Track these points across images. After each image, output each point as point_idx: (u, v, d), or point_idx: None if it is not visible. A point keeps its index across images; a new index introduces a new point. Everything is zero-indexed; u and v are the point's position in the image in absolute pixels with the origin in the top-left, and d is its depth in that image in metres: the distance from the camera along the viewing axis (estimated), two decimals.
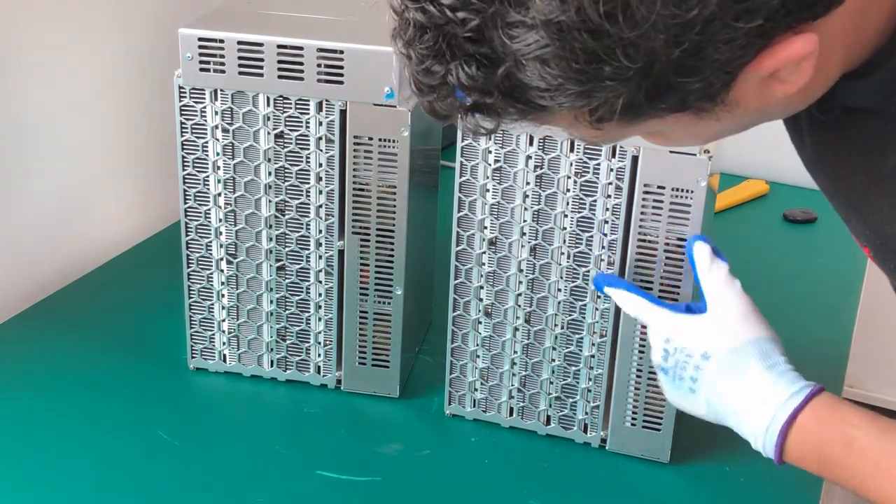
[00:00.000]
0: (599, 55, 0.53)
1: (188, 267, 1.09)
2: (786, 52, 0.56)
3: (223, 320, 1.11)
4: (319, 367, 1.12)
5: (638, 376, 1.00)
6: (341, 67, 0.98)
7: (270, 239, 1.06)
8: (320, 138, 1.01)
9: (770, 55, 0.56)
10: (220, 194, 1.05)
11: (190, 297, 1.11)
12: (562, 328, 1.01)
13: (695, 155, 0.91)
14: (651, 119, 0.59)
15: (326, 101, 1.00)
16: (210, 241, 1.08)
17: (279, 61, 0.98)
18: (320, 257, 1.06)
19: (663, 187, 0.93)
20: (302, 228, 1.05)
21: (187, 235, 1.08)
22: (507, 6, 0.53)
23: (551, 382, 1.03)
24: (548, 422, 1.06)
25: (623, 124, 0.59)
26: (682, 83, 0.56)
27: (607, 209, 0.95)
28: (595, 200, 0.95)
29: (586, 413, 1.04)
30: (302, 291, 1.08)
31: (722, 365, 0.79)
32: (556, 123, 0.61)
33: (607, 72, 0.54)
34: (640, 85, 0.55)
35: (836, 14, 0.57)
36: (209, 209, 1.06)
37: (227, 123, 1.02)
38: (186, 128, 1.03)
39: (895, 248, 0.69)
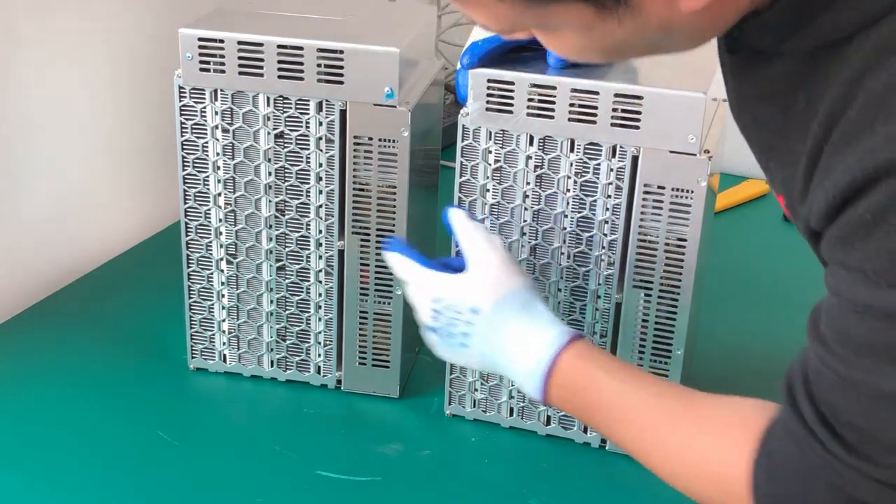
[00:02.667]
0: None
1: (188, 267, 1.09)
2: None
3: (223, 320, 1.11)
4: (319, 367, 1.12)
5: None
6: (341, 67, 0.98)
7: (270, 239, 1.06)
8: (320, 138, 1.01)
9: None
10: (220, 194, 1.05)
11: (190, 297, 1.11)
12: None
13: (695, 155, 0.91)
14: (553, 3, 0.59)
15: (326, 101, 1.00)
16: (210, 241, 1.08)
17: (279, 61, 0.99)
18: (320, 257, 1.06)
19: (663, 187, 0.93)
20: (302, 228, 1.05)
21: (187, 235, 1.08)
22: None
23: None
24: (548, 422, 1.06)
25: (525, 2, 0.59)
26: None
27: (607, 209, 0.95)
28: (595, 200, 0.95)
29: None
30: (302, 291, 1.08)
31: (489, 317, 0.83)
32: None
33: None
34: None
35: None
36: (209, 209, 1.06)
37: (227, 123, 1.02)
38: (186, 128, 1.03)
39: (800, 188, 0.68)
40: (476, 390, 1.07)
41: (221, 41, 0.99)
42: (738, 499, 0.69)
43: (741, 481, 0.69)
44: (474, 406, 1.07)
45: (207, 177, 1.05)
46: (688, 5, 0.59)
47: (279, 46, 0.98)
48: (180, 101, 1.02)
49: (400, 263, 0.89)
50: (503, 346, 0.83)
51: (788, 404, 0.66)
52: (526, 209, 0.98)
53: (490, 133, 0.96)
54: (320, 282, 1.08)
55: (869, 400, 0.60)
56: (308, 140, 1.02)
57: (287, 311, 1.10)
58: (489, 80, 0.94)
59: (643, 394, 0.77)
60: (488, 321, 0.83)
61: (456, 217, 0.90)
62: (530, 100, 0.94)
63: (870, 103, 0.57)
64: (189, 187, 1.05)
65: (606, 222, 0.96)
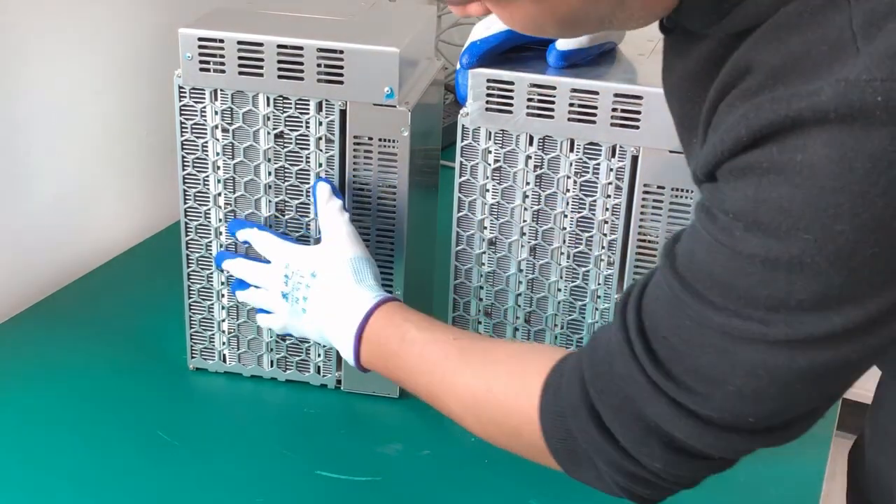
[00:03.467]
0: None
1: (188, 267, 1.09)
2: None
3: (223, 320, 1.11)
4: (319, 367, 1.12)
5: None
6: (341, 67, 0.98)
7: None
8: (320, 138, 1.01)
9: None
10: (220, 194, 1.05)
11: (190, 297, 1.11)
12: (562, 328, 1.01)
13: None
14: None
15: (326, 101, 1.00)
16: (210, 241, 1.08)
17: (279, 61, 0.99)
18: None
19: (663, 187, 0.93)
20: (302, 228, 1.05)
21: (187, 235, 1.08)
22: None
23: None
24: None
25: None
26: None
27: (607, 209, 0.95)
28: (595, 200, 0.95)
29: None
30: None
31: (324, 281, 0.91)
32: None
33: None
34: None
35: None
36: (209, 209, 1.06)
37: (227, 123, 1.02)
38: (186, 128, 1.03)
39: (697, 150, 0.69)
40: None
41: (221, 41, 0.99)
42: (529, 426, 0.72)
43: (531, 407, 0.71)
44: None
45: (207, 177, 1.05)
46: None
47: (279, 46, 0.98)
48: (180, 101, 1.02)
49: (259, 239, 0.98)
50: (330, 310, 0.89)
51: (617, 311, 0.68)
52: (526, 209, 0.98)
53: (490, 133, 0.96)
54: None
55: (692, 323, 0.62)
56: (308, 140, 1.02)
57: None
58: (489, 80, 0.94)
59: (444, 344, 0.80)
60: (322, 285, 0.91)
61: (321, 189, 0.98)
62: (530, 100, 0.94)
63: (766, 73, 0.59)
64: (189, 187, 1.05)
65: (606, 222, 0.96)
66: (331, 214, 0.96)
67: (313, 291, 0.91)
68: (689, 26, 0.68)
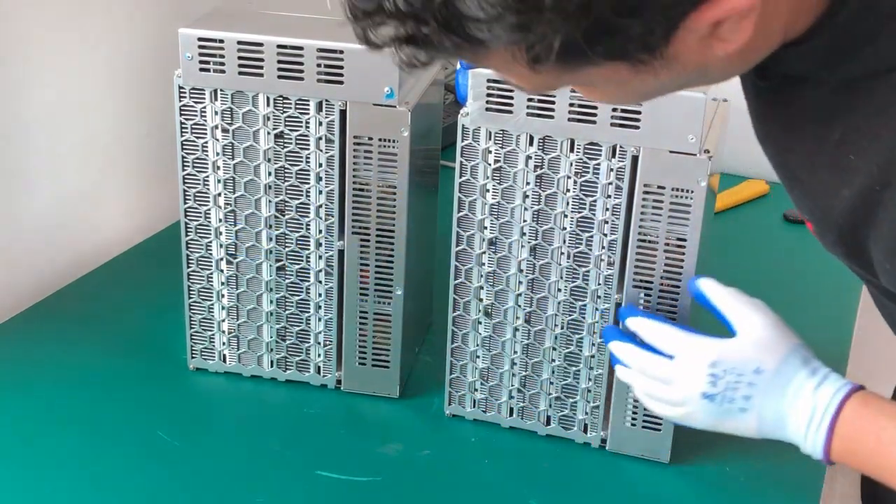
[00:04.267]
0: None
1: (188, 267, 1.09)
2: (728, 4, 0.55)
3: (223, 320, 1.11)
4: (319, 367, 1.12)
5: None
6: (341, 67, 0.98)
7: (270, 239, 1.06)
8: (320, 138, 1.01)
9: (713, 5, 0.55)
10: (220, 194, 1.05)
11: (190, 297, 1.11)
12: (562, 328, 1.01)
13: (695, 155, 0.91)
14: (588, 66, 0.58)
15: (326, 101, 1.00)
16: (210, 241, 1.08)
17: (279, 61, 0.99)
18: (320, 257, 1.06)
19: (663, 187, 0.93)
20: (302, 228, 1.05)
21: (187, 235, 1.08)
22: None
23: (551, 382, 1.03)
24: (548, 422, 1.06)
25: (560, 69, 0.58)
26: (622, 25, 0.55)
27: (607, 209, 0.95)
28: (595, 200, 0.95)
29: (586, 413, 1.04)
30: (302, 291, 1.08)
31: (773, 377, 0.82)
32: (492, 65, 0.60)
33: (548, 3, 0.53)
34: (579, 22, 0.54)
35: None
36: (209, 209, 1.06)
37: (227, 123, 1.02)
38: (186, 128, 1.03)
39: (836, 220, 0.69)
40: (476, 390, 1.07)
41: (221, 41, 0.99)
42: None
43: None
44: (474, 406, 1.07)
45: (207, 177, 1.05)
46: (723, 48, 0.59)
47: (279, 46, 0.98)
48: (180, 101, 1.02)
49: (659, 333, 0.88)
50: (786, 404, 0.81)
51: None
52: (526, 209, 0.98)
53: (490, 133, 0.96)
54: (320, 282, 1.07)
55: None
56: (308, 140, 1.02)
57: (287, 311, 1.10)
58: (489, 80, 0.94)
59: None
60: (772, 381, 0.82)
61: (707, 284, 0.90)
62: (530, 99, 0.93)
63: None
64: (189, 187, 1.05)
65: (606, 222, 0.96)
66: (742, 305, 0.87)
67: (759, 389, 0.82)
68: (793, 71, 0.66)
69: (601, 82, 0.63)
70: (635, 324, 0.91)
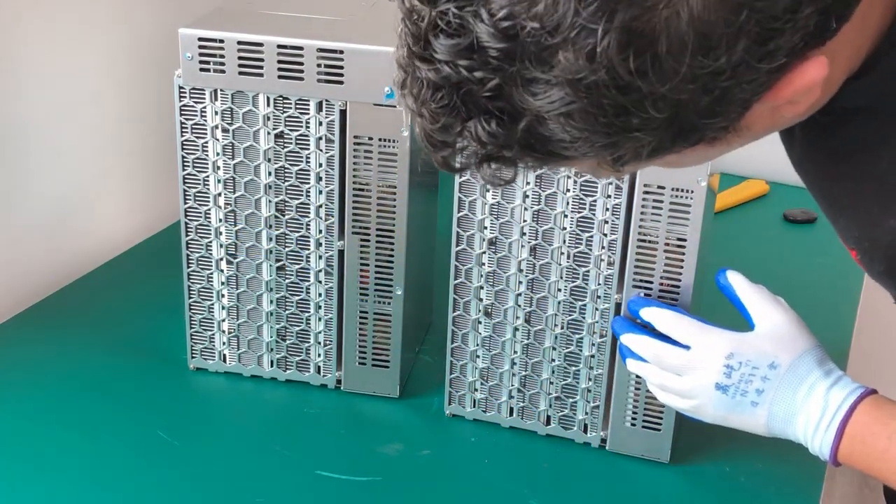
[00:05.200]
0: (628, 108, 0.52)
1: (188, 267, 1.09)
2: (801, 80, 0.55)
3: (223, 320, 1.11)
4: (319, 367, 1.12)
5: (638, 376, 1.00)
6: (341, 67, 0.98)
7: (270, 239, 1.06)
8: (320, 138, 1.01)
9: (786, 84, 0.55)
10: (220, 194, 1.05)
11: (190, 297, 1.11)
12: (562, 328, 1.01)
13: None
14: (669, 154, 0.59)
15: (326, 101, 1.00)
16: (210, 241, 1.08)
17: (279, 61, 0.98)
18: (320, 257, 1.06)
19: (663, 187, 0.93)
20: (302, 228, 1.05)
21: (187, 235, 1.08)
22: (529, 65, 0.51)
23: (551, 382, 1.03)
24: (548, 422, 1.05)
25: (644, 162, 0.59)
26: (704, 124, 0.55)
27: (607, 209, 0.95)
28: (595, 200, 0.95)
29: (586, 413, 1.04)
30: (302, 291, 1.08)
31: (788, 373, 0.82)
32: (577, 167, 0.60)
33: (635, 123, 0.53)
34: (665, 131, 0.54)
35: (843, 27, 0.56)
36: (209, 209, 1.06)
37: (227, 123, 1.02)
38: (186, 128, 1.03)
39: (884, 249, 0.69)
40: (476, 390, 1.07)
41: (221, 41, 0.99)
42: None
43: None
44: (474, 406, 1.07)
45: (207, 177, 1.05)
46: (793, 110, 0.59)
47: (279, 46, 0.98)
48: (180, 101, 1.02)
49: (675, 323, 0.89)
50: (798, 402, 0.82)
51: None
52: (526, 209, 0.98)
53: None
54: (320, 282, 1.07)
55: None
56: (308, 140, 1.02)
57: (287, 311, 1.10)
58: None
59: None
60: (785, 377, 0.83)
61: (735, 277, 0.90)
62: None
63: None
64: (189, 187, 1.05)
65: (606, 222, 0.96)
66: (765, 301, 0.88)
67: (772, 384, 0.83)
68: (851, 104, 0.66)
69: (677, 160, 0.63)
70: (650, 314, 0.91)
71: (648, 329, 0.92)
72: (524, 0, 0.50)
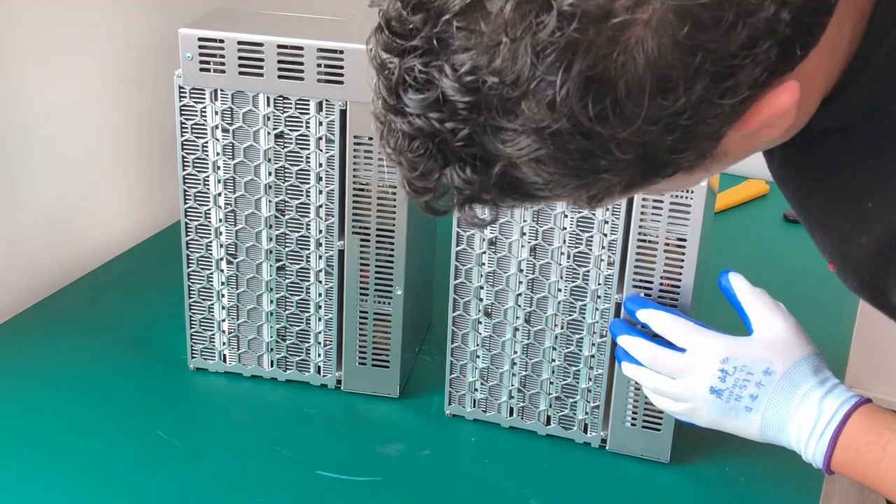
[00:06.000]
0: (594, 152, 0.53)
1: (188, 267, 1.09)
2: (771, 107, 0.56)
3: (223, 320, 1.11)
4: (319, 367, 1.12)
5: None
6: (341, 67, 0.98)
7: (270, 239, 1.06)
8: (320, 138, 1.01)
9: (755, 113, 0.56)
10: (220, 194, 1.05)
11: (190, 297, 1.11)
12: (562, 328, 1.01)
13: None
14: (645, 186, 0.60)
15: (326, 101, 1.00)
16: (210, 241, 1.08)
17: (279, 61, 0.99)
18: (320, 257, 1.06)
19: None
20: (302, 228, 1.05)
21: (187, 235, 1.08)
22: (496, 115, 0.52)
23: (551, 382, 1.03)
24: (548, 422, 1.06)
25: (618, 197, 0.60)
26: (676, 160, 0.56)
27: (607, 209, 0.95)
28: None
29: (586, 413, 1.04)
30: (302, 291, 1.08)
31: (782, 380, 0.82)
32: (554, 202, 0.62)
33: (603, 165, 0.54)
34: (637, 170, 0.55)
35: (812, 52, 0.56)
36: (209, 209, 1.06)
37: (227, 123, 1.02)
38: (186, 128, 1.03)
39: (856, 266, 0.69)
40: (476, 390, 1.07)
41: (221, 41, 0.99)
42: None
43: None
44: (474, 406, 1.07)
45: (207, 177, 1.05)
46: (769, 134, 0.60)
47: (279, 46, 0.98)
48: (180, 101, 1.02)
49: (672, 326, 0.89)
50: (792, 409, 0.82)
51: None
52: (526, 209, 0.98)
53: None
54: (320, 282, 1.08)
55: None
56: (308, 140, 1.02)
57: (287, 311, 1.10)
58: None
59: None
60: (780, 384, 0.82)
61: (737, 280, 0.90)
62: None
63: None
64: (189, 187, 1.05)
65: (606, 222, 0.96)
66: (765, 306, 0.87)
67: (767, 390, 0.82)
68: (826, 125, 0.67)
69: (656, 188, 0.64)
70: (647, 315, 0.91)
71: (646, 332, 0.92)
72: (485, 54, 0.51)
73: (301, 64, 0.98)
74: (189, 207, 1.06)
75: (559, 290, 1.00)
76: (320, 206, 1.04)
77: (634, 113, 0.51)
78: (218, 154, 1.04)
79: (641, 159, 0.54)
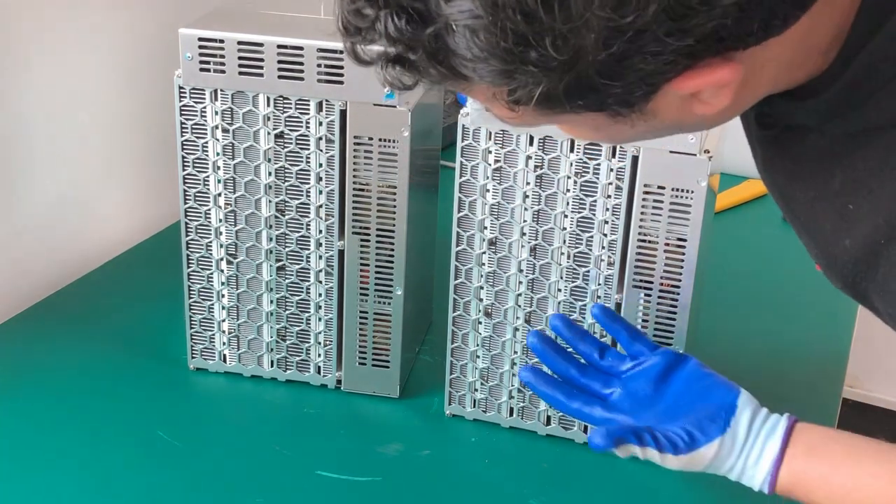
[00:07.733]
0: (528, 39, 0.53)
1: (188, 267, 1.09)
2: (710, 76, 0.56)
3: (223, 320, 1.11)
4: (319, 367, 1.12)
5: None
6: (341, 67, 0.98)
7: (270, 239, 1.06)
8: (320, 138, 1.01)
9: (693, 76, 0.56)
10: (220, 194, 1.05)
11: (190, 297, 1.11)
12: None
13: (695, 155, 0.91)
14: (566, 114, 0.59)
15: (326, 101, 1.00)
16: (210, 241, 1.08)
17: (279, 61, 0.99)
18: (320, 257, 1.06)
19: (663, 187, 0.93)
20: (302, 228, 1.05)
21: (187, 235, 1.08)
22: None
23: None
24: (548, 422, 1.06)
25: (538, 112, 0.59)
26: (603, 85, 0.56)
27: (607, 209, 0.95)
28: (595, 200, 0.95)
29: None
30: (302, 291, 1.08)
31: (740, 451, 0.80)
32: (473, 95, 0.61)
33: (532, 57, 0.53)
34: (561, 78, 0.55)
35: (772, 41, 0.56)
36: (209, 209, 1.06)
37: (227, 123, 1.02)
38: (186, 128, 1.03)
39: (840, 269, 0.69)
40: (476, 390, 1.07)
41: (221, 41, 0.99)
42: None
43: None
44: (474, 406, 1.07)
45: (207, 177, 1.05)
46: (702, 109, 0.60)
47: (279, 46, 0.98)
48: (180, 101, 1.02)
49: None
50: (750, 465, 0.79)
51: None
52: (526, 209, 0.98)
53: (490, 133, 0.96)
54: (320, 282, 1.08)
55: None
56: (308, 140, 1.02)
57: (287, 311, 1.10)
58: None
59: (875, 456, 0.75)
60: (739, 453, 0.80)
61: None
62: None
63: None
64: (189, 187, 1.05)
65: (606, 222, 0.96)
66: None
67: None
68: (796, 121, 0.67)
69: (577, 126, 0.65)
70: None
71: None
72: None
73: (301, 64, 0.98)
74: (189, 207, 1.06)
75: (559, 290, 1.00)
76: (320, 206, 1.04)
77: (579, 13, 0.51)
78: (218, 154, 1.04)
79: (569, 68, 0.54)
